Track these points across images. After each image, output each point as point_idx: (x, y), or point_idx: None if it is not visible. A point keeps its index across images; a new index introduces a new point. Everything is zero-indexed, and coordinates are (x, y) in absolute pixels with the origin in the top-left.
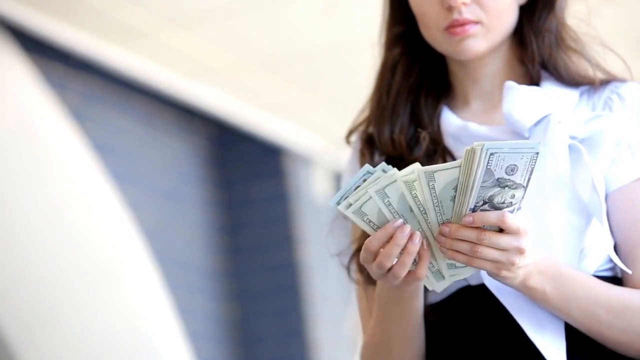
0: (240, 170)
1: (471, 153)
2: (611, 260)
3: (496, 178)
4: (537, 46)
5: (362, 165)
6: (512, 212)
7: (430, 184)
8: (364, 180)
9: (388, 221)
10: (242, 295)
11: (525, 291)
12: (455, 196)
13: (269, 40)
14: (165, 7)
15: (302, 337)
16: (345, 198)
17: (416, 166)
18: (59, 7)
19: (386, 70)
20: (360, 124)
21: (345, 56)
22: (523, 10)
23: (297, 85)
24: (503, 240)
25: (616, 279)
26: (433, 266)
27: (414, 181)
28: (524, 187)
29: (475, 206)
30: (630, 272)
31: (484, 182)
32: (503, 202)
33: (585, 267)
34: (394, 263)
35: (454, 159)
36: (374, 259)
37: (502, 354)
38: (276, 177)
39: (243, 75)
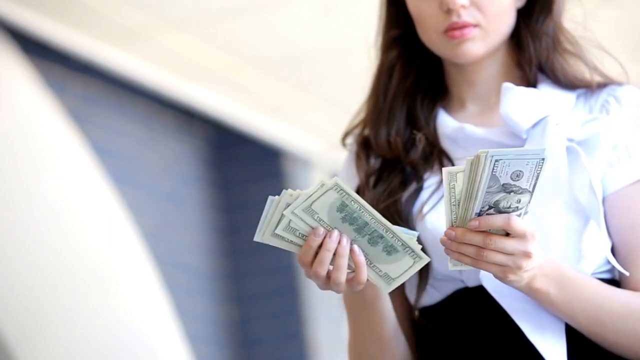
0: (239, 172)
1: (476, 160)
2: (609, 263)
3: (502, 184)
4: (535, 49)
5: (358, 167)
6: (518, 216)
7: (315, 216)
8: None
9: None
10: (240, 297)
11: (530, 293)
12: (344, 216)
13: (267, 42)
14: (164, 9)
15: (301, 339)
16: (271, 227)
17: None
18: (59, 9)
19: (383, 73)
20: (356, 127)
21: (344, 58)
22: (520, 13)
23: (296, 87)
24: (509, 244)
25: (614, 281)
26: (380, 270)
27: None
28: (530, 192)
29: (480, 211)
30: (628, 274)
31: (489, 187)
32: (509, 207)
33: (583, 269)
34: (330, 269)
35: (450, 160)
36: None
37: (501, 356)
38: (275, 179)
39: (242, 77)
